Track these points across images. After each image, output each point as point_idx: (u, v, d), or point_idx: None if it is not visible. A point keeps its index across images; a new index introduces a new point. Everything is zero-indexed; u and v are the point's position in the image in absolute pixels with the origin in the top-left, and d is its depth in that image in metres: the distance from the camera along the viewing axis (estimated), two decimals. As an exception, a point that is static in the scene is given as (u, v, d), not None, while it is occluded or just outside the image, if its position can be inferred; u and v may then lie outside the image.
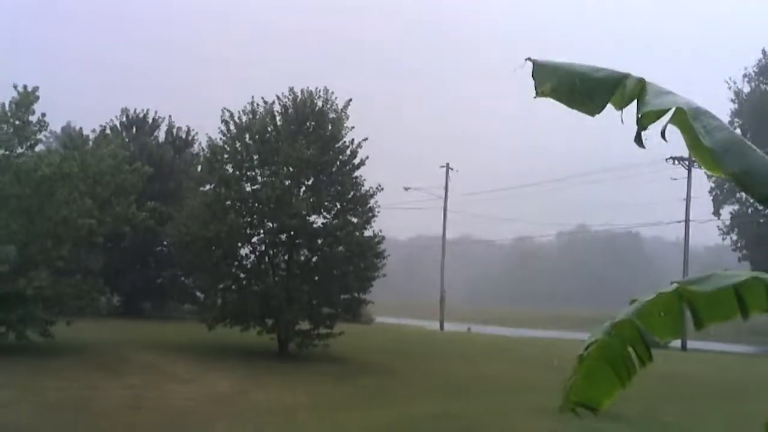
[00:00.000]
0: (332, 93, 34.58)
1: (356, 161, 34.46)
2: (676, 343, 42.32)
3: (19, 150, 30.80)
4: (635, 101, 4.06)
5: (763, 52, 77.26)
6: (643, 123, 3.99)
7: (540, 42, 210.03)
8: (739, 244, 75.74)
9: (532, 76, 4.20)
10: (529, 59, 4.21)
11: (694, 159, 4.09)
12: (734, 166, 3.77)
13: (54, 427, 19.28)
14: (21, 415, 20.58)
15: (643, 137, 4.02)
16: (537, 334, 60.39)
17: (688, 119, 3.92)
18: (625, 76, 4.13)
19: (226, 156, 33.89)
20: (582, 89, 4.17)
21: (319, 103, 34.35)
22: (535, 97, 4.25)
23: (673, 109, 3.96)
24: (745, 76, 77.40)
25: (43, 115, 30.93)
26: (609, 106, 4.16)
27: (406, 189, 71.84)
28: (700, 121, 3.90)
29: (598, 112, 4.15)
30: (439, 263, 72.46)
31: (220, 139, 34.52)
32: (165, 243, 42.62)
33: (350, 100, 34.79)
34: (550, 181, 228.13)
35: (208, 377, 27.65)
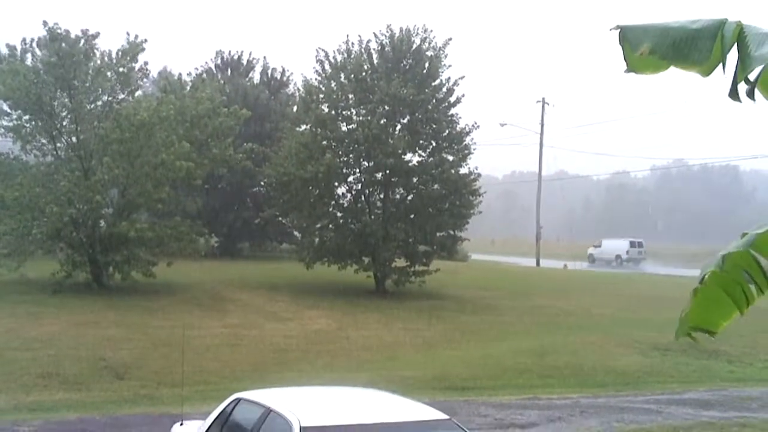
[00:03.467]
0: (431, 31, 34.38)
1: (452, 99, 34.24)
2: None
3: (121, 96, 31.41)
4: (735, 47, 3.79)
5: None
6: (739, 76, 3.73)
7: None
8: None
9: (621, 43, 3.98)
10: (618, 27, 3.99)
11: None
12: None
13: (161, 363, 19.82)
14: (131, 351, 21.25)
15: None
16: (634, 269, 59.75)
17: None
18: (721, 23, 3.86)
19: (321, 96, 33.94)
20: (683, 42, 3.90)
21: (417, 41, 34.14)
22: (626, 71, 4.06)
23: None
24: None
25: (146, 63, 31.54)
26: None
27: (502, 125, 71.34)
28: None
29: (705, 63, 3.87)
30: (535, 200, 71.81)
31: (315, 79, 34.66)
32: (262, 183, 42.91)
33: (449, 39, 34.53)
34: (646, 114, 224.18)
35: (307, 315, 28.04)
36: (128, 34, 30.99)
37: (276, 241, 49.26)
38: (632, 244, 75.06)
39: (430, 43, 34.17)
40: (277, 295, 31.22)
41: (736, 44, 3.78)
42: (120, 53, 30.65)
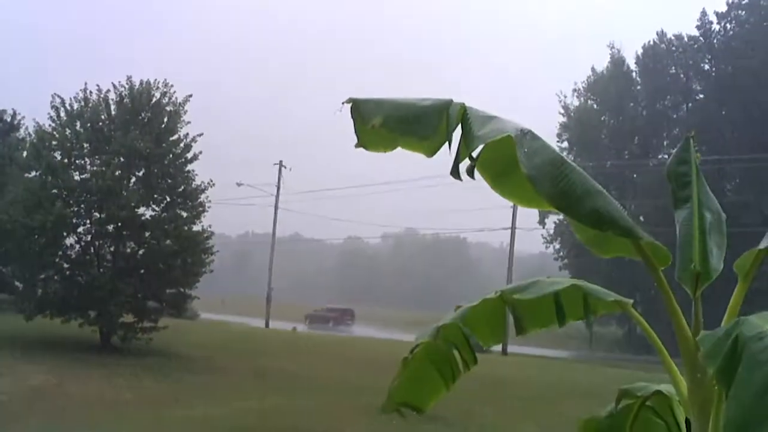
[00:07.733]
0: (171, 86, 34.29)
1: (189, 155, 34.16)
2: (498, 346, 43.51)
3: None
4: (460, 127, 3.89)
5: (593, 69, 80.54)
6: (462, 154, 3.83)
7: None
8: (561, 253, 78.61)
9: (353, 116, 4.01)
10: (350, 100, 4.01)
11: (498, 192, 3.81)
12: (549, 189, 3.64)
13: None
14: None
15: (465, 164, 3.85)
16: (363, 333, 61.01)
17: (505, 148, 3.78)
18: (448, 103, 3.94)
19: (54, 143, 32.89)
20: (411, 116, 3.95)
21: (157, 95, 33.91)
22: (357, 146, 4.08)
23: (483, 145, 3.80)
24: (574, 91, 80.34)
25: None
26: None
27: (239, 185, 71.55)
28: (522, 146, 3.70)
29: (432, 139, 3.93)
30: (268, 261, 72.22)
31: (49, 125, 33.55)
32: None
33: (190, 95, 34.64)
34: (377, 183, 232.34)
35: (24, 370, 26.73)
36: None
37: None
38: None
39: (170, 99, 34.05)
40: (-9, 348, 29.64)
41: (460, 124, 3.87)
42: None
